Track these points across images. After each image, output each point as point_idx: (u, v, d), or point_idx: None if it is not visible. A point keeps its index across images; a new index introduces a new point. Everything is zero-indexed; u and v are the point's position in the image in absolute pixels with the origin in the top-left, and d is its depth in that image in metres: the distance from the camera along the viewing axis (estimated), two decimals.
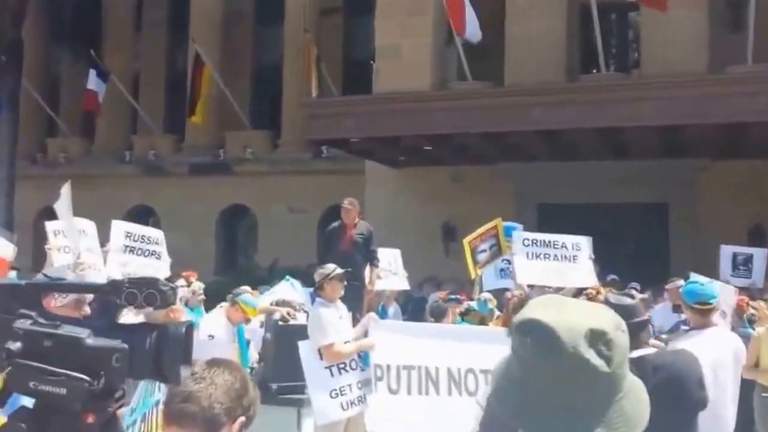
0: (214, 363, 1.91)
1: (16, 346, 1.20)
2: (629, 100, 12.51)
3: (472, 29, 13.70)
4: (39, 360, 1.20)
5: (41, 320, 1.22)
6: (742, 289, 9.43)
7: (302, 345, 5.65)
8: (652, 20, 13.68)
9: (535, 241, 8.80)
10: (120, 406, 1.32)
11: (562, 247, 8.83)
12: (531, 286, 8.80)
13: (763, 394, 7.44)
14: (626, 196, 14.68)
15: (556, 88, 13.67)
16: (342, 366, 5.59)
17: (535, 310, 1.29)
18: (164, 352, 1.29)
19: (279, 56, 20.33)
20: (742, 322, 7.77)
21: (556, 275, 8.70)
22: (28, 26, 20.78)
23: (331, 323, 5.57)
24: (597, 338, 1.25)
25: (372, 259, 8.55)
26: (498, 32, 14.95)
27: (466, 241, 8.65)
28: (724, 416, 4.56)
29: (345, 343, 5.59)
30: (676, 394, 3.35)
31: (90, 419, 1.22)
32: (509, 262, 9.17)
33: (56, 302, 2.95)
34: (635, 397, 1.31)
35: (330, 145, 17.15)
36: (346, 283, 5.95)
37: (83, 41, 19.98)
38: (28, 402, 1.27)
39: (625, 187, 14.57)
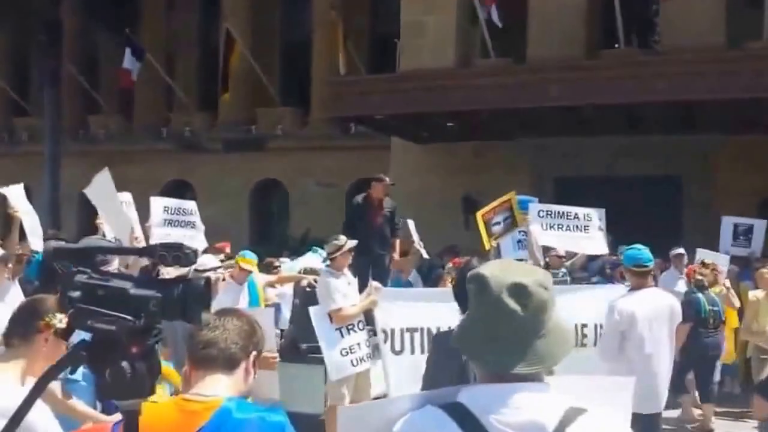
0: (222, 312, 2.30)
1: (76, 294, 1.49)
2: (647, 76, 12.69)
3: (496, 10, 13.97)
4: (94, 304, 1.46)
5: (95, 275, 1.66)
6: (740, 258, 9.80)
7: (313, 310, 6.28)
8: None
9: (549, 213, 9.08)
10: (157, 341, 1.59)
11: (575, 218, 9.11)
12: (547, 250, 9.25)
13: (762, 356, 7.85)
14: (641, 169, 14.91)
15: (576, 65, 13.90)
16: (350, 327, 6.21)
17: (485, 267, 1.69)
18: (188, 300, 1.67)
19: (308, 33, 20.73)
20: (691, 287, 8.20)
21: (571, 241, 9.12)
22: (66, 6, 21.50)
23: (338, 290, 6.19)
24: (517, 289, 1.59)
25: (395, 232, 9.09)
26: (521, 8, 15.17)
27: (479, 214, 8.93)
28: (659, 367, 5.05)
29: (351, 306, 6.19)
30: None
31: (134, 350, 1.49)
32: (525, 233, 9.57)
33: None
34: (554, 340, 1.61)
35: (356, 122, 17.59)
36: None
37: (119, 20, 20.58)
38: (87, 336, 1.54)
39: (640, 160, 14.80)
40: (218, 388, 2.14)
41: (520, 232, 9.66)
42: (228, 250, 10.30)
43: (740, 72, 12.18)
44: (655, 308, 5.06)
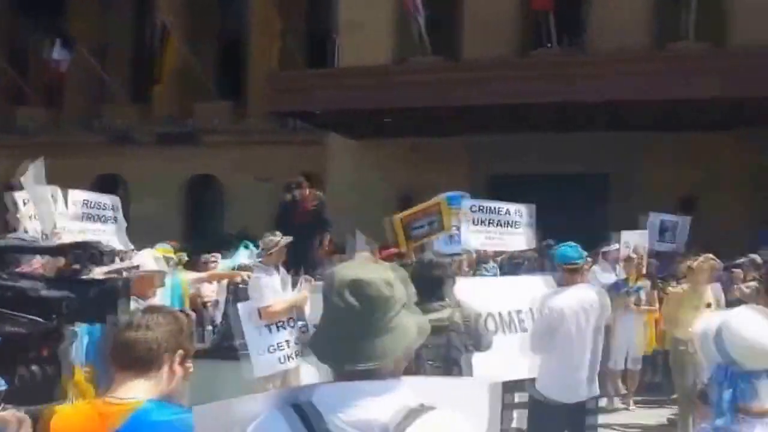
0: (149, 310, 2.24)
1: None
2: (576, 76, 13.07)
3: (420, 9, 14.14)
4: (3, 306, 1.53)
5: (4, 276, 1.62)
6: (664, 254, 10.21)
7: (241, 306, 6.22)
8: None
9: (481, 208, 9.30)
10: (71, 342, 1.72)
11: (505, 213, 9.35)
12: (478, 251, 9.44)
13: (680, 347, 8.17)
14: (572, 166, 15.33)
15: (508, 64, 14.19)
16: (280, 324, 6.17)
17: (339, 266, 1.70)
18: (105, 301, 1.65)
19: (245, 28, 20.53)
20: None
21: (499, 240, 9.31)
22: None
23: (269, 286, 6.16)
24: (357, 286, 1.58)
25: (324, 227, 9.10)
26: (457, 8, 15.40)
27: (397, 217, 8.81)
28: (586, 360, 5.26)
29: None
30: None
31: (45, 352, 1.52)
32: (458, 228, 9.71)
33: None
34: (394, 337, 1.59)
35: (294, 117, 17.54)
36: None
37: (51, 10, 19.95)
38: None
39: (571, 158, 15.22)
40: (138, 390, 2.10)
41: (453, 227, 9.77)
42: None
43: (665, 73, 12.66)
44: (583, 304, 5.23)
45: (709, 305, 7.53)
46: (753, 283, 8.02)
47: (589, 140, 15.09)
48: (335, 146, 17.19)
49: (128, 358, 2.12)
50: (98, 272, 4.64)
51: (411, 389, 1.61)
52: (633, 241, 9.19)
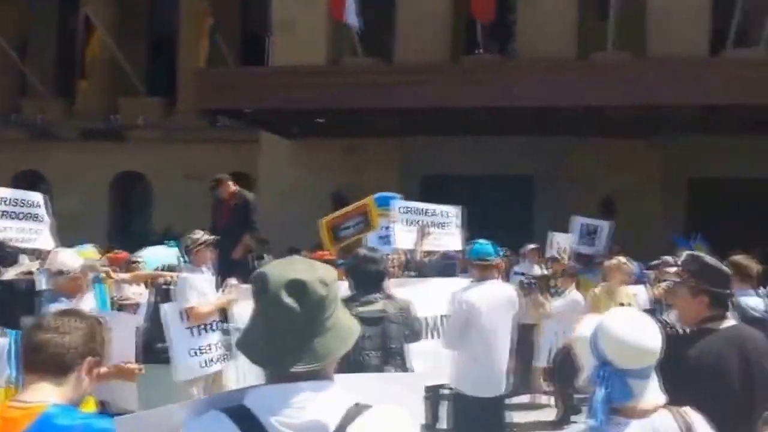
0: (63, 313, 2.20)
1: None
2: (505, 81, 13.50)
3: (352, 16, 14.24)
4: None
5: None
6: (586, 256, 10.70)
7: (165, 307, 6.05)
8: (528, 5, 14.76)
9: (411, 209, 9.47)
10: None
11: (434, 214, 9.54)
12: (409, 250, 9.61)
13: None
14: (501, 168, 15.79)
15: (440, 68, 14.52)
16: (205, 326, 6.01)
17: (269, 265, 1.65)
18: (7, 304, 1.66)
19: (176, 23, 20.22)
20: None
21: (427, 240, 9.51)
22: None
23: (195, 287, 5.99)
24: (294, 286, 1.55)
25: (248, 228, 8.88)
26: (390, 11, 15.63)
27: (324, 220, 8.83)
28: (499, 354, 5.39)
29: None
30: None
31: None
32: (389, 228, 9.87)
33: None
34: (333, 337, 1.58)
35: (224, 115, 17.41)
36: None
37: None
38: None
39: (500, 160, 15.69)
40: (44, 394, 2.04)
41: (384, 227, 9.92)
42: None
43: (588, 80, 13.23)
44: (495, 299, 5.37)
45: (622, 305, 7.94)
46: (665, 284, 8.50)
47: (516, 143, 15.60)
48: (267, 145, 17.16)
49: (37, 360, 2.07)
50: (11, 273, 4.53)
51: (344, 388, 1.60)
52: (562, 242, 9.56)
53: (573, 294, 8.47)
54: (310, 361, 1.55)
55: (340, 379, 1.63)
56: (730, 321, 3.09)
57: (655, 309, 7.71)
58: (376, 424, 1.55)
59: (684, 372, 2.74)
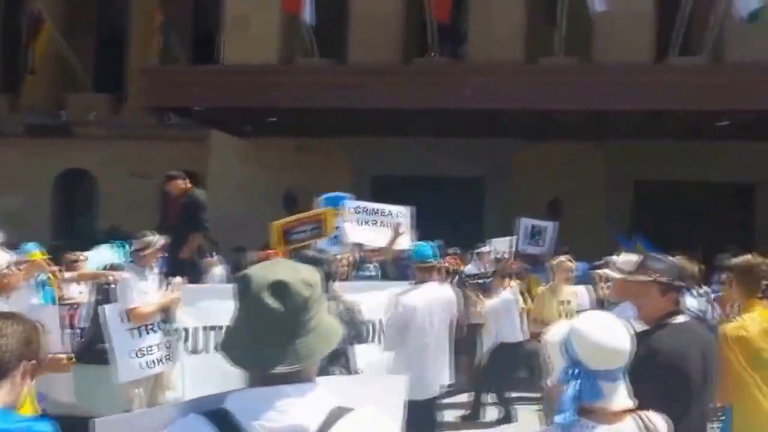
0: (1, 317, 2.14)
1: None
2: (455, 84, 13.64)
3: (307, 12, 14.22)
4: None
5: None
6: (533, 256, 10.92)
7: (107, 308, 5.94)
8: (479, 9, 14.96)
9: (363, 209, 9.49)
10: None
11: (387, 214, 9.59)
12: (359, 245, 9.60)
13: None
14: (451, 170, 15.96)
15: (392, 70, 14.60)
16: (147, 327, 5.94)
17: (252, 267, 1.65)
18: None
19: (126, 19, 19.88)
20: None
21: (380, 239, 9.55)
22: None
23: (137, 288, 5.92)
24: (278, 287, 1.56)
25: (196, 226, 8.67)
26: (344, 12, 15.64)
27: (278, 223, 8.59)
28: (437, 355, 5.46)
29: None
30: None
31: None
32: (339, 228, 9.86)
33: None
34: (316, 338, 1.57)
35: (174, 113, 17.18)
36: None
37: None
38: None
39: (451, 162, 15.85)
40: None
41: (336, 228, 9.91)
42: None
43: (536, 84, 13.45)
44: (433, 301, 5.44)
45: (568, 302, 8.11)
46: (610, 283, 8.70)
47: (466, 145, 15.78)
48: (218, 144, 17.00)
49: None
50: None
51: (326, 390, 1.59)
52: (500, 247, 9.80)
53: (504, 294, 8.57)
54: (292, 362, 1.54)
55: (323, 381, 1.62)
56: (684, 316, 3.23)
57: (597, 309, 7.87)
58: (357, 427, 1.55)
59: (653, 367, 2.84)
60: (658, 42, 14.99)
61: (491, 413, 8.63)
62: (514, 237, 10.54)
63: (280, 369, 1.53)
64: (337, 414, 1.54)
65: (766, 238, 14.88)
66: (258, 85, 14.23)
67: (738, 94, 12.85)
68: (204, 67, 16.42)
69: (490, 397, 8.79)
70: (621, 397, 2.25)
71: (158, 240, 6.20)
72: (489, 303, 8.41)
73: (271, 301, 1.55)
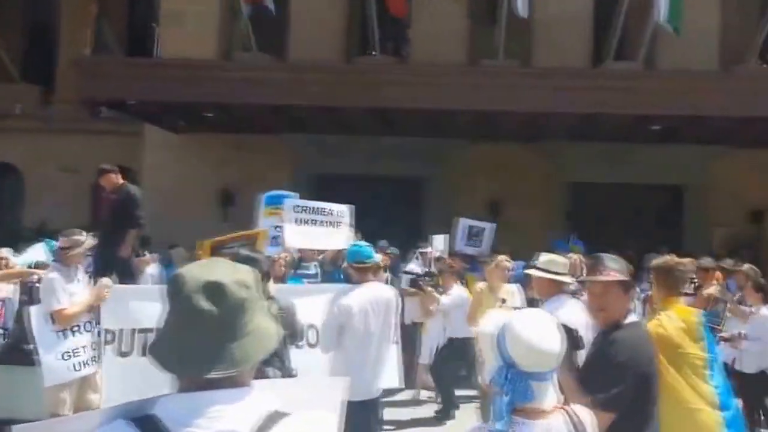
0: None
1: None
2: (397, 83, 13.62)
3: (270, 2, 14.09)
4: None
5: None
6: (471, 257, 10.98)
7: (32, 309, 5.72)
8: (421, 9, 14.99)
9: (304, 208, 9.37)
10: None
11: (327, 213, 9.49)
12: (300, 250, 9.50)
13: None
14: (392, 169, 15.95)
15: (333, 67, 14.49)
16: (75, 328, 5.74)
17: (186, 267, 1.57)
18: None
19: (56, 9, 19.17)
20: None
21: (319, 239, 9.42)
22: None
23: (64, 289, 5.70)
24: (212, 288, 1.48)
25: (130, 223, 8.40)
26: (286, 8, 15.42)
27: (209, 242, 8.73)
28: (376, 356, 5.34)
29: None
30: None
31: None
32: (279, 228, 9.71)
33: None
34: (251, 341, 1.50)
35: (107, 106, 16.64)
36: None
37: None
38: None
39: (392, 161, 15.86)
40: None
41: (275, 227, 9.77)
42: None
43: (477, 86, 13.56)
44: (372, 301, 5.32)
45: (504, 301, 8.19)
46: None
47: (407, 145, 15.80)
48: (152, 139, 16.54)
49: None
50: None
51: (262, 394, 1.53)
52: (437, 244, 9.84)
53: (457, 290, 8.69)
54: (227, 367, 1.46)
55: (260, 384, 1.55)
56: (633, 314, 3.37)
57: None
58: (297, 431, 1.49)
59: (615, 367, 2.99)
60: (595, 48, 15.30)
61: (430, 410, 8.64)
62: (448, 235, 10.60)
63: (213, 374, 1.46)
64: (273, 418, 1.49)
65: (695, 238, 15.41)
66: (194, 79, 13.92)
67: (669, 100, 13.23)
68: (138, 59, 15.97)
69: (432, 394, 8.83)
70: (551, 395, 2.30)
71: (86, 239, 5.97)
72: (445, 299, 8.58)
73: (204, 303, 1.47)
